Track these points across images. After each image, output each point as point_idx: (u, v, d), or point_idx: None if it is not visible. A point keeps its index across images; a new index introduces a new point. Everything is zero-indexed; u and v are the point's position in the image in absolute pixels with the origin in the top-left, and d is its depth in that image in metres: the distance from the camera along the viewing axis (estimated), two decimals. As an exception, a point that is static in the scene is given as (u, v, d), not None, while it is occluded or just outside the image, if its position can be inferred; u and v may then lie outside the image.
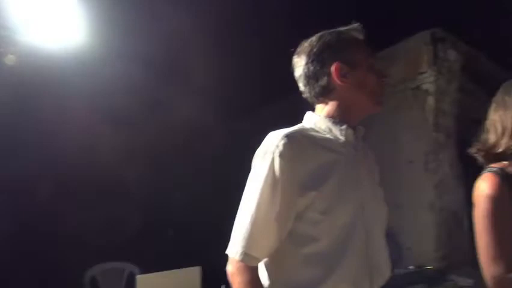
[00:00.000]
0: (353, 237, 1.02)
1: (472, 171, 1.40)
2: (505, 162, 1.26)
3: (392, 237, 3.63)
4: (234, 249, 1.02)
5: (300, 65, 1.14)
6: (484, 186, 1.21)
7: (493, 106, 1.32)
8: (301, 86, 1.16)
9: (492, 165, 1.27)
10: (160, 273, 1.93)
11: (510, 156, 1.24)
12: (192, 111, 3.93)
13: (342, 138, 1.10)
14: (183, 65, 3.61)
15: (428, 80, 3.66)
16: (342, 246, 1.01)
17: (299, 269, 1.01)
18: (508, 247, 1.14)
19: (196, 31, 3.15)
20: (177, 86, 3.80)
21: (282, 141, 1.01)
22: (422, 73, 3.69)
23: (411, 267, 2.86)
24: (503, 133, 1.27)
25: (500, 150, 1.26)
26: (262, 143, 1.06)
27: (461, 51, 3.76)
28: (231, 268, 1.03)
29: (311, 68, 1.11)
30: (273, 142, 1.03)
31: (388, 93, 4.04)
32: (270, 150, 1.02)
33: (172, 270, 1.93)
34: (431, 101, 3.63)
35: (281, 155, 1.00)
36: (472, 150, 1.35)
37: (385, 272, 1.11)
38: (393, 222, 3.71)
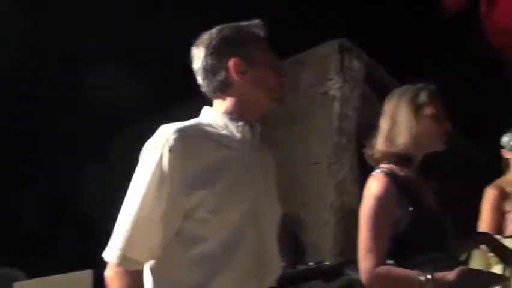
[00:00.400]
0: (243, 238, 1.00)
1: (368, 173, 1.52)
2: (392, 165, 1.38)
3: (294, 235, 3.81)
4: (111, 253, 0.96)
5: (198, 57, 1.11)
6: (373, 185, 1.33)
7: (383, 113, 1.45)
8: (200, 79, 1.13)
9: (382, 165, 1.39)
10: (43, 278, 1.72)
11: (396, 158, 1.37)
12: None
13: (238, 135, 1.09)
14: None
15: (334, 87, 3.89)
16: (232, 246, 0.99)
17: (186, 271, 0.97)
18: (383, 244, 1.26)
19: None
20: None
21: (174, 136, 0.97)
22: (329, 79, 3.92)
23: (311, 263, 3.01)
24: (391, 137, 1.38)
25: (386, 153, 1.39)
26: (153, 136, 1.02)
27: (364, 62, 4.05)
28: (109, 273, 0.97)
29: (209, 61, 1.08)
30: (164, 136, 0.98)
31: (300, 97, 4.22)
32: (159, 144, 0.97)
33: (59, 275, 1.73)
34: (336, 106, 3.86)
35: (171, 150, 0.96)
36: (366, 153, 1.46)
37: (275, 270, 1.13)
38: (299, 220, 3.91)
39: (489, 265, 1.72)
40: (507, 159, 1.96)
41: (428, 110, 1.34)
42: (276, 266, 1.13)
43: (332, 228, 3.61)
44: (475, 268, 1.13)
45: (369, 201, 1.33)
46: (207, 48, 1.10)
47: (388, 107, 1.44)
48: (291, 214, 3.95)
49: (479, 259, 1.73)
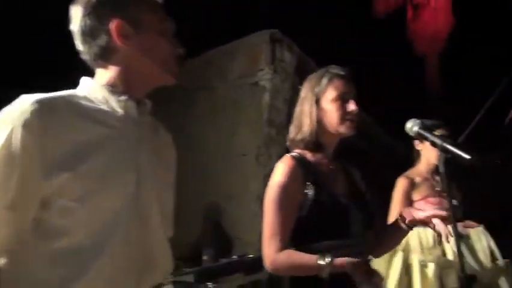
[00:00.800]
0: (119, 229, 0.87)
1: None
2: (306, 151, 1.34)
3: (220, 228, 3.71)
4: None
5: (76, 17, 0.96)
6: (278, 168, 1.28)
7: (298, 101, 1.41)
8: (79, 44, 0.98)
9: (295, 150, 1.36)
10: None
11: (305, 145, 1.32)
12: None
13: (120, 111, 0.95)
14: None
15: (265, 77, 3.83)
16: (104, 239, 0.85)
17: (47, 267, 0.82)
18: (285, 229, 1.22)
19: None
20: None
21: (32, 108, 0.82)
22: (260, 70, 3.85)
23: (234, 256, 2.92)
24: (299, 125, 1.36)
25: (296, 140, 1.35)
26: (7, 107, 0.84)
27: (295, 54, 4.04)
28: None
29: (88, 22, 0.94)
30: (19, 107, 0.82)
31: (229, 87, 4.12)
32: (11, 117, 0.81)
33: None
34: (266, 97, 3.81)
35: (25, 125, 0.81)
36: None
37: (162, 265, 1.00)
38: (225, 212, 3.82)
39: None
40: (418, 150, 2.01)
41: (329, 94, 1.30)
42: (164, 261, 1.00)
43: (258, 221, 3.56)
44: (368, 261, 1.10)
45: (273, 185, 1.28)
46: (85, 7, 0.95)
47: (300, 94, 1.42)
48: (217, 206, 3.85)
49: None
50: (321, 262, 1.11)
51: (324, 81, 1.35)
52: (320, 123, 1.31)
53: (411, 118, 1.30)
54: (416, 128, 1.17)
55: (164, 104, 4.94)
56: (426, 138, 1.14)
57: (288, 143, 1.43)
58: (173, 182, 1.10)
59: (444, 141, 1.06)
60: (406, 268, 1.71)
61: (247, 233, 3.59)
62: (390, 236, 1.44)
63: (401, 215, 1.32)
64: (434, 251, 1.70)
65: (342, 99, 1.31)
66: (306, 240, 1.23)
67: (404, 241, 1.80)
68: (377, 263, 1.80)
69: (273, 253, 1.21)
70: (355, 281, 1.04)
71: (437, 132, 1.12)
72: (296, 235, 1.27)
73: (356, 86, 1.37)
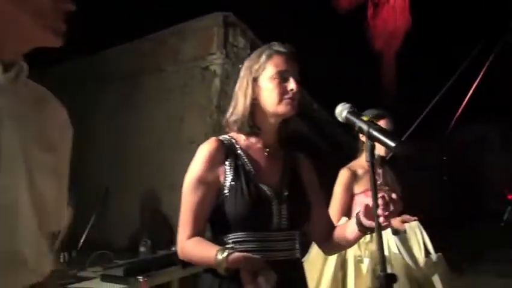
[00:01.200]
0: None
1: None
2: (240, 134, 1.21)
3: (165, 218, 3.53)
4: None
5: None
6: (199, 152, 1.16)
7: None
8: None
9: (230, 133, 1.23)
10: None
11: (242, 126, 1.19)
12: None
13: None
14: None
15: (216, 62, 3.67)
16: None
17: None
18: (198, 215, 1.11)
19: None
20: None
21: None
22: (211, 54, 3.68)
23: (174, 248, 2.77)
24: (234, 105, 1.22)
25: (233, 120, 1.21)
26: None
27: (249, 40, 3.90)
28: None
29: None
30: None
31: (180, 70, 3.91)
32: None
33: None
34: (217, 82, 3.65)
35: None
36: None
37: (34, 263, 0.82)
38: (168, 202, 3.64)
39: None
40: (362, 141, 1.91)
41: (268, 71, 1.16)
42: (35, 259, 0.81)
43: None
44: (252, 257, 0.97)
45: (189, 170, 1.14)
46: None
47: (240, 73, 1.27)
48: (156, 195, 3.67)
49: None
50: (219, 256, 0.99)
51: (263, 58, 1.19)
52: (256, 103, 1.15)
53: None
54: (344, 113, 1.06)
55: (107, 85, 4.67)
56: (353, 124, 1.03)
57: (226, 126, 1.28)
58: (62, 164, 0.91)
59: (370, 126, 0.95)
60: (342, 263, 1.64)
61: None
62: (345, 236, 1.27)
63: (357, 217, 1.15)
64: (370, 245, 1.64)
65: (281, 77, 1.15)
66: (221, 230, 1.11)
67: None
68: (314, 258, 1.72)
69: (182, 240, 1.09)
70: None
71: (365, 118, 1.00)
72: (214, 224, 1.15)
73: (300, 65, 1.24)
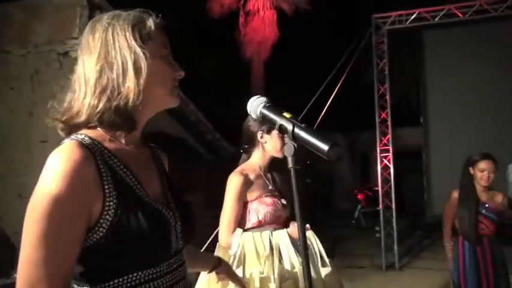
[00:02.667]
0: None
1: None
2: (98, 131, 0.81)
3: (4, 237, 2.86)
4: None
5: None
6: (55, 165, 0.70)
7: (78, 55, 0.85)
8: None
9: (81, 131, 0.80)
10: None
11: (112, 121, 0.79)
12: None
13: None
14: None
15: (78, 48, 3.15)
16: None
17: None
18: (65, 255, 0.70)
19: None
20: None
21: None
22: (73, 38, 3.15)
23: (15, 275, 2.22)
24: (104, 88, 0.79)
25: (102, 113, 0.79)
26: None
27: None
28: None
29: None
30: None
31: (30, 54, 3.26)
32: None
33: None
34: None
35: None
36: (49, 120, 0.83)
37: None
38: (14, 214, 2.97)
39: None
40: (259, 142, 1.72)
41: (158, 48, 0.84)
42: None
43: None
44: None
45: (41, 193, 0.70)
46: None
47: (94, 37, 0.84)
48: (7, 206, 2.99)
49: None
50: None
51: (150, 24, 0.83)
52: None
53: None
54: (260, 108, 0.88)
55: None
56: (271, 121, 0.85)
57: (61, 120, 0.81)
58: None
59: (296, 126, 0.78)
60: (247, 283, 1.44)
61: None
62: (192, 263, 1.06)
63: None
64: (271, 259, 1.48)
65: (168, 60, 0.87)
66: (97, 277, 0.74)
67: (239, 249, 1.53)
68: (210, 283, 1.46)
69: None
70: None
71: (287, 115, 0.82)
72: (89, 264, 0.74)
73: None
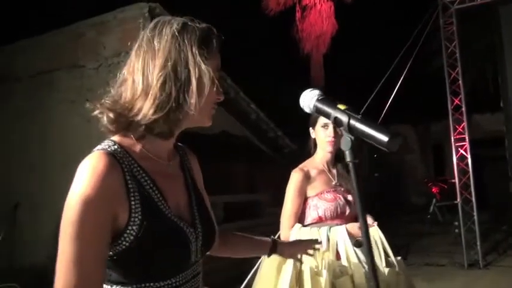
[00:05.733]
0: None
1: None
2: (132, 140, 0.79)
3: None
4: None
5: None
6: (84, 171, 0.73)
7: (135, 50, 0.82)
8: None
9: (115, 137, 0.80)
10: None
11: (156, 132, 0.79)
12: None
13: None
14: None
15: (139, 42, 3.33)
16: None
17: None
18: (88, 264, 0.68)
19: None
20: None
21: None
22: (137, 49, 3.33)
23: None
24: (146, 92, 0.78)
25: (150, 118, 0.77)
26: None
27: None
28: None
29: None
30: None
31: (101, 67, 3.49)
32: None
33: None
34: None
35: None
36: (96, 108, 0.81)
37: None
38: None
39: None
40: (314, 139, 1.72)
41: (211, 67, 0.80)
42: None
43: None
44: None
45: (73, 199, 0.72)
46: None
47: (159, 40, 0.80)
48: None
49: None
50: None
51: (213, 45, 0.81)
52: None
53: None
54: (313, 101, 0.83)
55: (13, 84, 4.05)
56: (326, 114, 0.81)
57: (109, 121, 0.79)
58: None
59: (352, 118, 0.73)
60: (297, 276, 1.44)
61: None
62: (246, 250, 1.14)
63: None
64: (327, 254, 1.46)
65: (216, 83, 0.82)
66: (120, 283, 0.77)
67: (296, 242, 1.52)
68: (266, 272, 1.49)
69: None
70: None
71: (342, 107, 0.77)
72: (113, 276, 0.77)
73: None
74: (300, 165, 1.72)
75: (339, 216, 1.63)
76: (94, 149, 0.79)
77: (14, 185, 3.52)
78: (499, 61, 6.91)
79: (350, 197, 1.67)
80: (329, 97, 0.87)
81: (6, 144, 3.62)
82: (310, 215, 1.65)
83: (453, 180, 5.50)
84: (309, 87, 0.92)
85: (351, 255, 1.45)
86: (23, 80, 3.72)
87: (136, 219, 0.76)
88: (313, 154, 1.76)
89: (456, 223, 5.52)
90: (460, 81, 5.14)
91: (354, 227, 1.52)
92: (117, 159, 0.76)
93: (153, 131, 0.80)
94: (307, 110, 0.87)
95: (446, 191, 8.02)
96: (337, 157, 1.73)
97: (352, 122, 0.76)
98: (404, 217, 7.94)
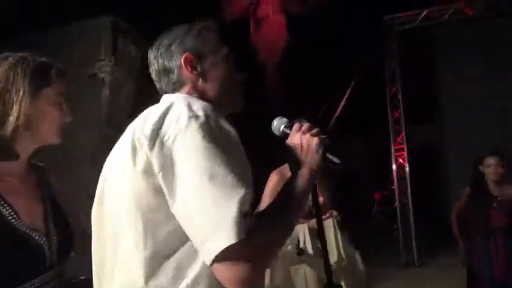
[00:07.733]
0: None
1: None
2: None
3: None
4: None
5: (152, 59, 0.97)
6: None
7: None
8: (157, 82, 0.97)
9: None
10: None
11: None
12: None
13: None
14: None
15: (105, 69, 3.42)
16: None
17: None
18: None
19: None
20: None
21: None
22: (100, 60, 3.42)
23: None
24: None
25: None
26: None
27: (140, 49, 3.73)
28: None
29: (160, 62, 0.95)
30: None
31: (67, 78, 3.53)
32: None
33: None
34: (106, 92, 3.40)
35: None
36: None
37: None
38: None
39: None
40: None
41: (53, 91, 1.00)
42: None
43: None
44: None
45: None
46: (157, 49, 0.95)
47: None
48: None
49: None
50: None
51: (51, 75, 0.99)
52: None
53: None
54: (282, 127, 1.07)
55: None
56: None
57: None
58: None
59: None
60: None
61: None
62: None
63: None
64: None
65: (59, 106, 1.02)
66: None
67: None
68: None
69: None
70: None
71: None
72: None
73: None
74: (279, 168, 1.96)
75: (306, 216, 1.87)
76: None
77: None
78: (436, 77, 7.63)
79: (321, 199, 1.93)
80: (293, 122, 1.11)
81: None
82: None
83: (392, 187, 6.02)
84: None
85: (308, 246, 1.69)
86: None
87: None
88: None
89: (395, 226, 6.03)
90: (399, 96, 5.68)
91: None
92: None
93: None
94: (277, 133, 1.11)
95: (386, 197, 8.63)
96: None
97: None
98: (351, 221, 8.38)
